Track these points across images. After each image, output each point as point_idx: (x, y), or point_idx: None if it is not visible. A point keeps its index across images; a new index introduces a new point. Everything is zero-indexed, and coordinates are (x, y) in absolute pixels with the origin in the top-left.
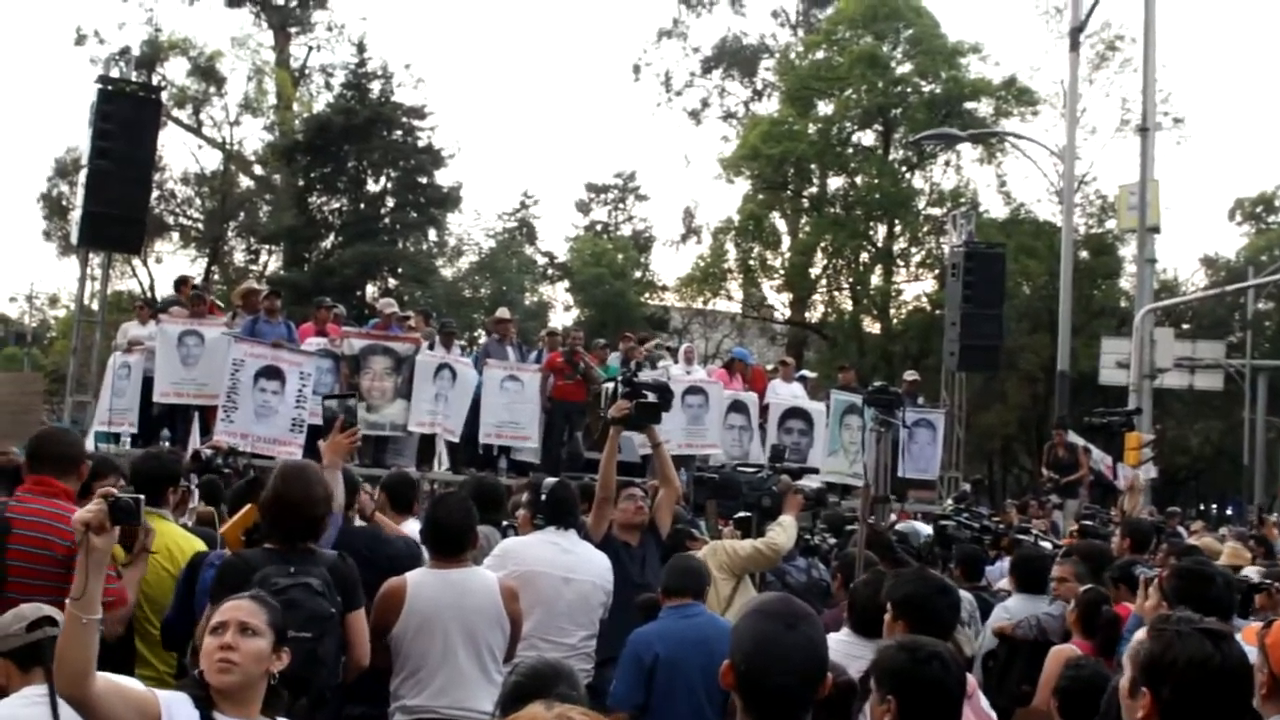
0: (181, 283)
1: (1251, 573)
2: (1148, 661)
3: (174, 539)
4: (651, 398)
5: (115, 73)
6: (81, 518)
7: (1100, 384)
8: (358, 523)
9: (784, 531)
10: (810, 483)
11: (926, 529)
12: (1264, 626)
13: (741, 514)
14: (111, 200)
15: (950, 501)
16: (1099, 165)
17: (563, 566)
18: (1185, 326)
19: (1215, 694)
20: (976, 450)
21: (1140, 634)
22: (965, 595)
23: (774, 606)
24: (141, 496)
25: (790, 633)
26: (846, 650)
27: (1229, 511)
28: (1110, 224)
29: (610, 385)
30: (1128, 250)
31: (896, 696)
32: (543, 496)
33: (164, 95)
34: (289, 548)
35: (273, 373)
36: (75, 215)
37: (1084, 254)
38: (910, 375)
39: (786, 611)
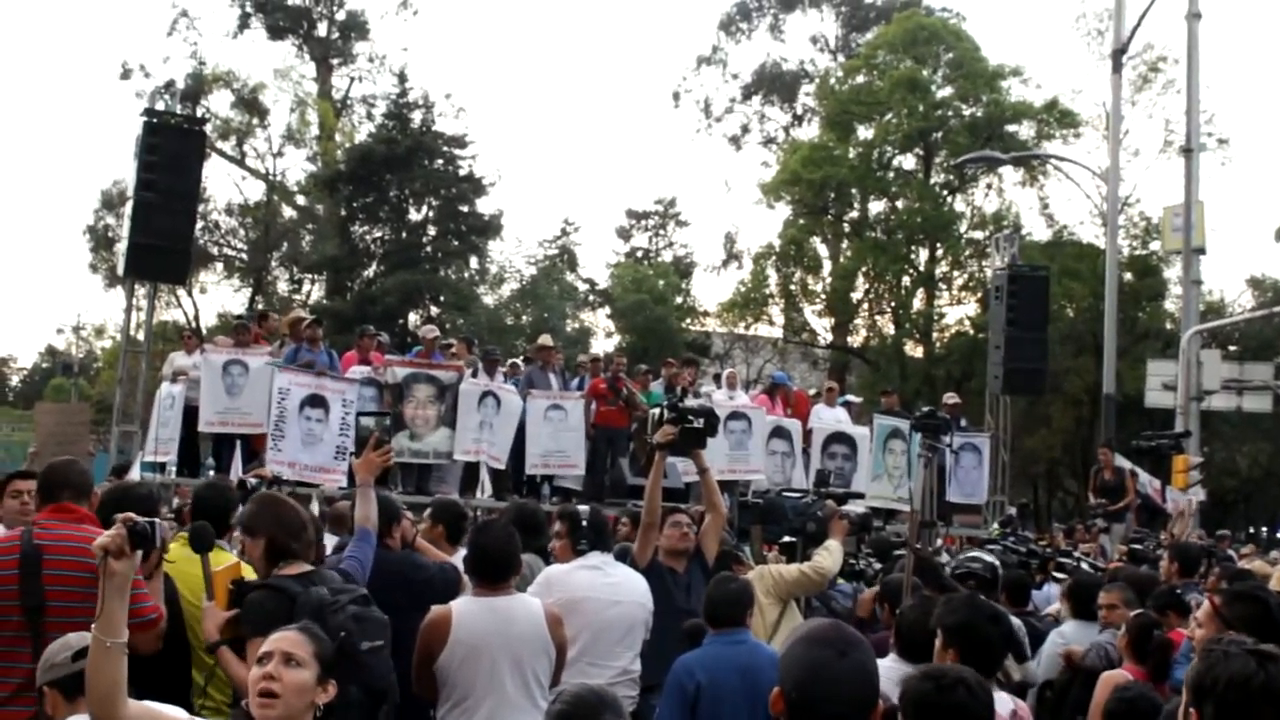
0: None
1: None
2: (1194, 681)
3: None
4: (697, 423)
5: (160, 106)
6: (101, 543)
7: (1146, 407)
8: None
9: (830, 556)
10: (855, 507)
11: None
12: None
13: (787, 539)
14: (157, 231)
15: (996, 526)
16: (1143, 187)
17: (608, 590)
18: (1232, 348)
19: (1256, 713)
20: (1021, 474)
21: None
22: (1014, 621)
23: (825, 633)
24: (157, 521)
25: (842, 660)
26: (892, 676)
27: (1279, 534)
28: (1155, 245)
29: (656, 411)
30: (1173, 272)
31: None
32: (584, 524)
33: (208, 127)
34: (309, 571)
35: (317, 400)
36: (121, 247)
37: (1128, 276)
38: (950, 398)
39: (838, 638)
